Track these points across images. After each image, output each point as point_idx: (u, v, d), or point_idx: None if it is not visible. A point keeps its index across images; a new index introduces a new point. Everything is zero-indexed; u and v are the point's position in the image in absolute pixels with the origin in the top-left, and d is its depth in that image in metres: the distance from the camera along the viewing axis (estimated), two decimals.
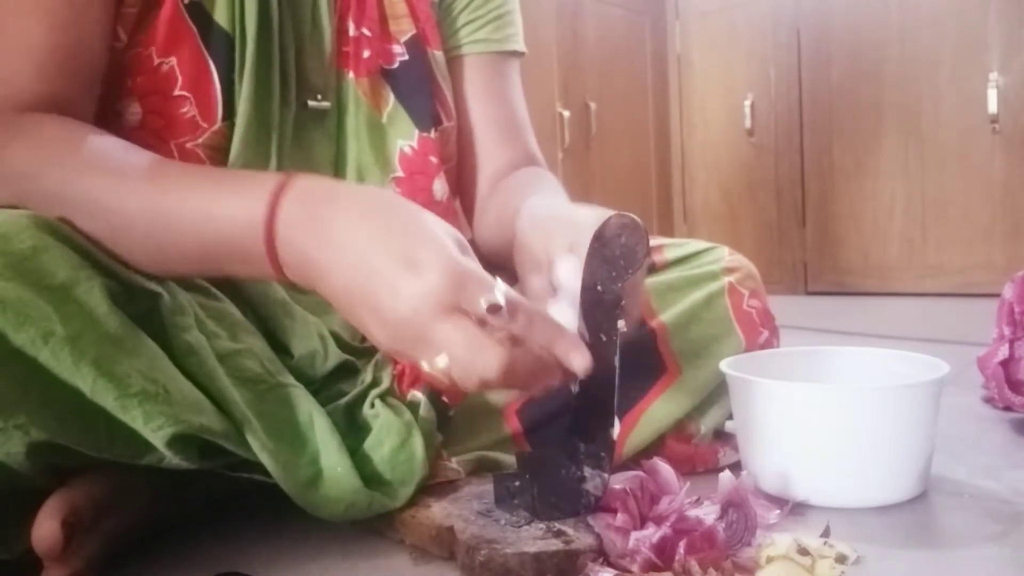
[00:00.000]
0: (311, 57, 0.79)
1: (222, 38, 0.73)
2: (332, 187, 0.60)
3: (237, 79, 0.73)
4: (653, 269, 0.86)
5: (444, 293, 0.53)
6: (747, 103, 2.81)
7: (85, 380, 0.53)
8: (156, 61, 0.70)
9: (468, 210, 0.91)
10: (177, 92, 0.71)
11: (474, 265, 0.56)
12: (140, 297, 0.60)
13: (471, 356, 0.53)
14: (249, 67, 0.73)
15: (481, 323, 0.54)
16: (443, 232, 0.57)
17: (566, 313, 0.60)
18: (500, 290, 0.54)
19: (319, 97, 0.80)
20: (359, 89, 0.82)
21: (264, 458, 0.60)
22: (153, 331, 0.59)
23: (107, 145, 0.64)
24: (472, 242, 0.89)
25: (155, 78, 0.71)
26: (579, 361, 0.57)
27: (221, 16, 0.73)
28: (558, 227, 0.64)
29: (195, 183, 0.61)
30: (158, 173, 0.63)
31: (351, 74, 0.82)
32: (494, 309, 0.53)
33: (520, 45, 0.93)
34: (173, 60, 0.71)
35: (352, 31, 0.82)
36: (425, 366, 0.55)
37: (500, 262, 0.84)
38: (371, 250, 0.55)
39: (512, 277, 0.68)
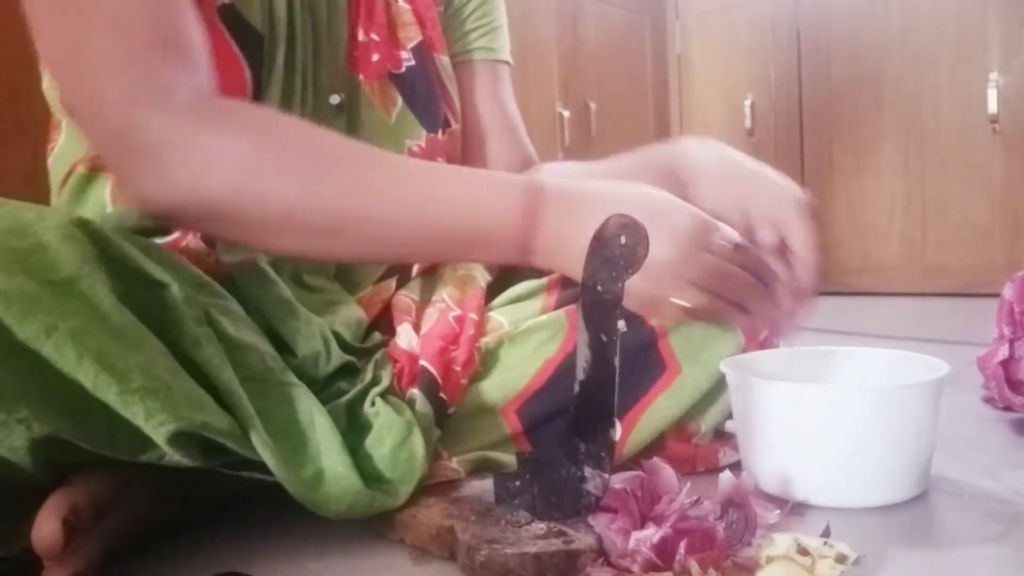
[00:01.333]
0: (327, 60, 0.82)
1: (255, 39, 0.75)
2: (575, 170, 0.83)
3: (265, 79, 0.75)
4: None
5: (694, 233, 0.68)
6: (747, 103, 2.81)
7: (87, 375, 0.53)
8: None
9: None
10: None
11: (707, 215, 0.70)
12: (148, 289, 0.60)
13: (722, 278, 0.70)
14: (278, 67, 0.75)
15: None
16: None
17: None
18: (733, 232, 0.71)
19: (334, 99, 0.83)
20: (369, 92, 0.85)
21: (266, 456, 0.60)
22: (162, 322, 0.59)
23: (337, 144, 0.69)
24: None
25: None
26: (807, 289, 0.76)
27: (254, 18, 0.75)
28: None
29: (453, 175, 0.72)
30: (406, 167, 0.72)
31: (360, 77, 0.85)
32: (732, 246, 0.70)
33: (509, 58, 1.01)
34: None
35: (361, 36, 0.85)
36: (676, 299, 0.69)
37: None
38: (622, 201, 0.66)
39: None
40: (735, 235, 0.70)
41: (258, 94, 0.75)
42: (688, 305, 0.69)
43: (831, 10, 2.66)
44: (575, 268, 0.63)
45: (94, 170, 0.78)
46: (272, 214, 0.65)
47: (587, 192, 0.70)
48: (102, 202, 0.77)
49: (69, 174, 0.80)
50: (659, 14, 2.93)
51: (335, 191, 0.66)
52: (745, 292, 0.71)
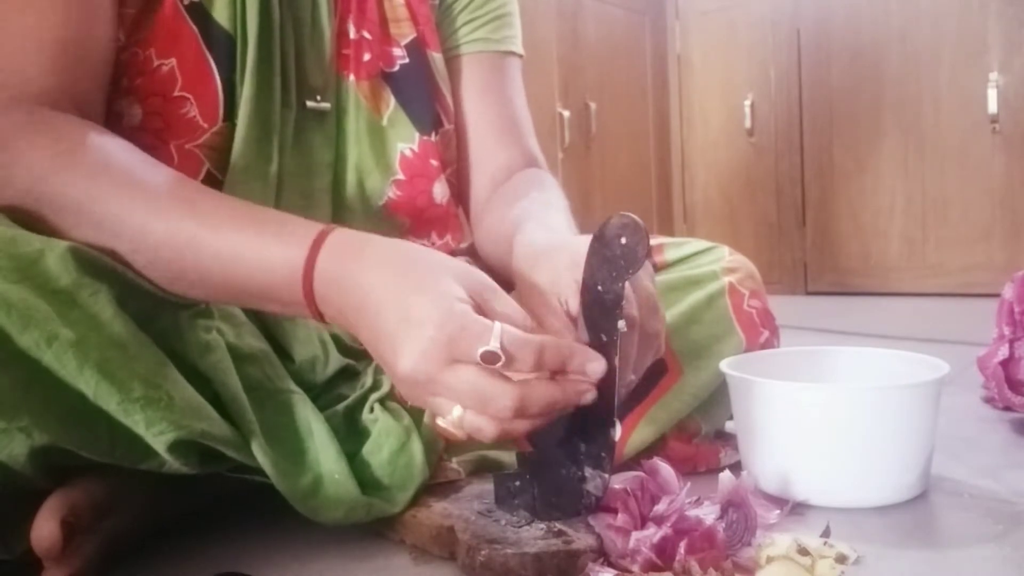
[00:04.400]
0: (310, 59, 0.79)
1: (223, 38, 0.72)
2: (363, 241, 0.59)
3: (238, 80, 0.73)
4: (653, 269, 0.85)
5: (439, 348, 0.53)
6: (747, 103, 2.81)
7: (88, 384, 0.53)
8: (156, 62, 0.70)
9: (467, 212, 0.91)
10: (177, 93, 0.71)
11: (472, 314, 0.54)
12: (153, 297, 0.60)
13: (481, 402, 0.53)
14: (250, 67, 0.73)
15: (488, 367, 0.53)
16: (450, 280, 0.55)
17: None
18: (496, 336, 0.53)
19: (318, 98, 0.80)
20: (359, 92, 0.82)
21: (265, 464, 0.60)
22: (164, 330, 0.59)
23: (138, 162, 0.63)
24: (472, 247, 0.89)
25: (155, 79, 0.70)
26: (595, 367, 0.57)
27: (221, 16, 0.72)
28: (562, 266, 0.62)
29: (234, 220, 0.60)
30: (194, 201, 0.61)
31: (351, 77, 0.81)
32: (490, 358, 0.53)
33: (518, 47, 0.93)
34: (173, 61, 0.70)
35: (352, 34, 0.82)
36: (441, 422, 0.56)
37: (500, 271, 0.83)
38: (381, 308, 0.55)
39: (509, 285, 0.67)
40: (502, 336, 0.53)
41: (231, 95, 0.73)
42: (450, 423, 0.55)
43: (831, 10, 2.66)
44: (366, 342, 0.58)
45: None
46: (68, 223, 0.59)
47: (362, 272, 0.57)
48: None
49: None
50: (659, 14, 2.93)
51: (123, 226, 0.59)
52: (515, 401, 0.54)
